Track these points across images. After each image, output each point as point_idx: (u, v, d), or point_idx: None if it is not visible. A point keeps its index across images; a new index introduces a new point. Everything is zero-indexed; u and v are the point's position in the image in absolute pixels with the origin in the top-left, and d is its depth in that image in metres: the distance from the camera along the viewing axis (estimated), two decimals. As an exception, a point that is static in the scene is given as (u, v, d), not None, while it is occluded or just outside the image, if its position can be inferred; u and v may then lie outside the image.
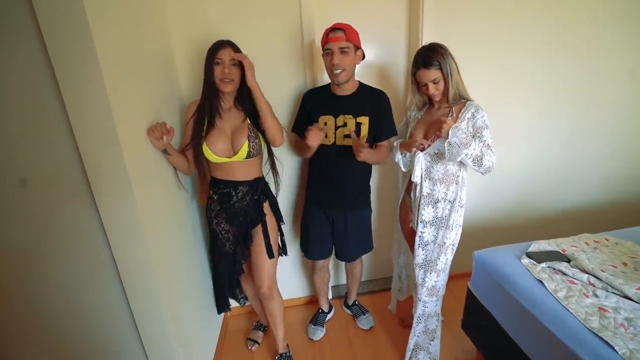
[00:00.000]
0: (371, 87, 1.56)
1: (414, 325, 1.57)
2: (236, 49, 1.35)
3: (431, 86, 1.34)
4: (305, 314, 2.11)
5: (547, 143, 2.15)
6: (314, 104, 1.56)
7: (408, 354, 1.62)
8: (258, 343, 1.90)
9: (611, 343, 1.00)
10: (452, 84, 1.33)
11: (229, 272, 1.60)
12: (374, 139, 1.55)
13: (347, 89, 1.50)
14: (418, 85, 1.41)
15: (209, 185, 1.52)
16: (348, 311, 2.04)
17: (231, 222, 1.49)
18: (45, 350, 1.24)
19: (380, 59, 1.91)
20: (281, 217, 1.62)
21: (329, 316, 2.04)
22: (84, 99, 0.95)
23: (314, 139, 1.43)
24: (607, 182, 2.33)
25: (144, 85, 1.25)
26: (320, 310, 2.00)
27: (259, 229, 1.50)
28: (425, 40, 1.72)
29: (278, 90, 1.73)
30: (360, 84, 1.55)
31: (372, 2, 1.79)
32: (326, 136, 1.51)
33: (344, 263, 1.95)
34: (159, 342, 1.28)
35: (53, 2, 0.87)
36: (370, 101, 1.51)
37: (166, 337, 1.28)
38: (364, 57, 1.50)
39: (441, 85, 1.34)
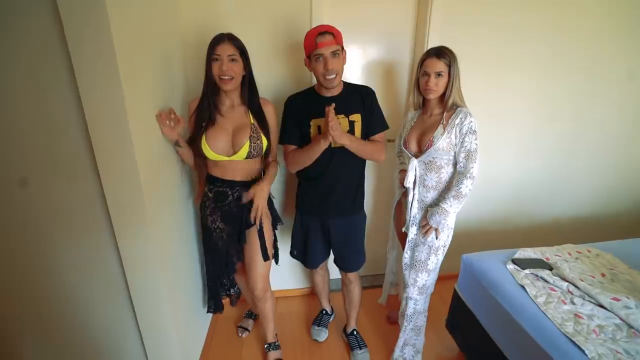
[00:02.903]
0: (355, 84, 1.53)
1: (405, 324, 1.62)
2: (237, 44, 1.30)
3: (433, 78, 1.36)
4: (298, 306, 2.18)
5: (538, 156, 2.23)
6: (302, 109, 1.47)
7: (397, 350, 1.68)
8: (248, 330, 1.95)
9: (582, 347, 1.08)
10: (453, 88, 1.37)
11: (222, 271, 1.59)
12: (366, 136, 1.50)
13: (335, 90, 1.45)
14: (418, 80, 1.43)
15: (205, 182, 1.48)
16: (345, 339, 1.90)
17: (226, 221, 1.47)
18: (45, 340, 1.29)
19: (386, 59, 1.95)
20: (279, 218, 1.62)
21: (332, 318, 2.05)
22: (99, 90, 0.98)
23: (336, 127, 1.27)
24: (593, 196, 2.42)
25: (155, 78, 1.28)
26: (324, 312, 2.01)
27: (253, 230, 1.47)
28: (432, 42, 1.79)
29: (284, 87, 1.77)
30: (344, 82, 1.50)
31: (381, 3, 1.83)
32: None
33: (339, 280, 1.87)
34: (155, 326, 1.33)
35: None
36: (359, 98, 1.48)
37: (163, 322, 1.33)
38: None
39: (442, 82, 1.37)
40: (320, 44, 1.32)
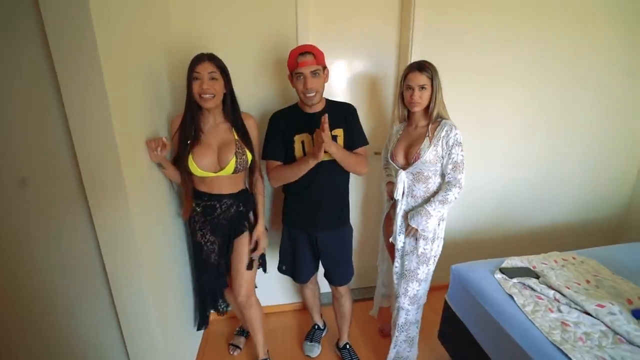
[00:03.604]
0: (338, 102, 1.58)
1: (396, 334, 1.62)
2: (217, 63, 1.33)
3: (417, 92, 1.40)
4: (289, 321, 2.15)
5: (524, 166, 2.28)
6: (286, 125, 1.50)
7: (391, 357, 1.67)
8: (240, 348, 1.92)
9: (570, 355, 1.09)
10: (437, 101, 1.42)
11: (213, 285, 1.58)
12: (349, 150, 1.52)
13: (317, 107, 1.49)
14: (402, 94, 1.48)
15: (192, 198, 1.48)
16: (338, 353, 1.90)
17: (216, 233, 1.49)
18: (29, 342, 1.25)
19: (371, 73, 1.99)
20: (265, 227, 1.63)
21: (324, 333, 2.04)
22: (85, 104, 0.99)
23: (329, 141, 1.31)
24: (577, 204, 2.48)
25: (142, 93, 1.29)
26: (316, 327, 2.00)
27: (241, 238, 1.50)
28: (415, 54, 1.84)
29: (270, 102, 1.80)
30: (326, 99, 1.54)
31: (365, 18, 1.88)
32: (305, 155, 1.47)
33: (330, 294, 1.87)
34: (143, 344, 1.30)
35: (59, 4, 0.91)
36: (341, 114, 1.52)
37: (152, 340, 1.30)
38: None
39: (425, 95, 1.41)
40: (301, 63, 1.37)
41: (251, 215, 1.56)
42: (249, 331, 1.78)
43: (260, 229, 1.55)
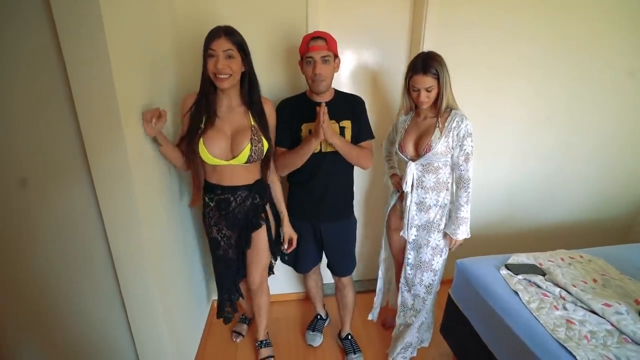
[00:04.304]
0: (346, 93, 1.56)
1: (412, 323, 1.65)
2: (235, 39, 1.21)
3: (423, 93, 1.36)
4: (292, 310, 2.18)
5: (533, 162, 2.24)
6: (294, 113, 1.48)
7: (397, 349, 1.69)
8: (242, 335, 1.95)
9: (574, 353, 1.08)
10: (445, 95, 1.37)
11: (235, 280, 1.55)
12: (355, 142, 1.52)
13: (326, 96, 1.47)
14: (409, 89, 1.43)
15: (204, 191, 1.42)
16: (340, 343, 1.91)
17: (232, 227, 1.42)
18: (36, 340, 1.29)
19: (382, 63, 1.96)
20: (278, 216, 1.60)
21: (327, 322, 2.06)
22: (91, 84, 0.98)
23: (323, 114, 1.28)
24: (585, 203, 2.44)
25: (147, 77, 1.27)
26: (318, 317, 2.02)
27: (259, 232, 1.45)
28: (427, 46, 1.80)
29: (279, 90, 1.78)
30: (335, 90, 1.53)
31: (377, 8, 1.85)
32: None
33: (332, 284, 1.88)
34: (148, 330, 1.32)
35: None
36: (348, 106, 1.51)
37: (156, 326, 1.32)
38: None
39: (433, 94, 1.37)
40: (312, 47, 1.35)
41: (267, 207, 1.50)
42: (254, 317, 1.78)
43: (287, 229, 1.55)
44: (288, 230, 1.56)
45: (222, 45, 1.19)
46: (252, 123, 1.33)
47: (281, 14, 1.69)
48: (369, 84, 1.97)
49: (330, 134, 1.32)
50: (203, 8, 1.63)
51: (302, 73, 1.45)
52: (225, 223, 1.42)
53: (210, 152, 1.27)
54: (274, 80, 1.78)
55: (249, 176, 1.39)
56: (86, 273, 1.22)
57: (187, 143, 1.28)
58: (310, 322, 2.02)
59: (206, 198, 1.41)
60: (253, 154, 1.30)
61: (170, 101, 1.50)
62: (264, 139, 1.35)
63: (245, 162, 1.31)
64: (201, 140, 1.26)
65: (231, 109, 1.32)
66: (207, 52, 1.20)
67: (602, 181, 2.40)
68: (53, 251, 1.17)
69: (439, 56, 1.36)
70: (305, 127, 1.48)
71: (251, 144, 1.29)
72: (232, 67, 1.21)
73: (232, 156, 1.31)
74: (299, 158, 1.42)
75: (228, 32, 1.21)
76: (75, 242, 1.17)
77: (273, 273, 1.77)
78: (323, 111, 1.26)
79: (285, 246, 1.57)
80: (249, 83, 1.30)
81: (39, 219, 1.13)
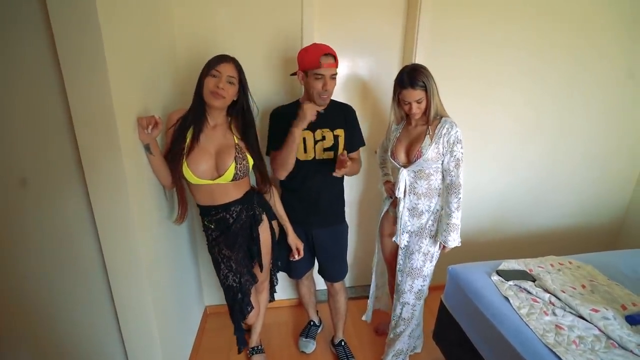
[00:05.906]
0: (338, 102, 1.60)
1: (402, 330, 1.66)
2: (240, 69, 1.30)
3: (414, 105, 1.40)
4: (285, 316, 2.17)
5: (523, 168, 2.29)
6: (288, 120, 1.45)
7: (389, 356, 1.70)
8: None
9: (562, 357, 1.10)
10: (433, 103, 1.41)
11: (239, 305, 1.46)
12: (348, 150, 1.55)
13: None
14: (399, 102, 1.47)
15: (201, 217, 1.44)
16: (333, 350, 1.91)
17: (231, 247, 1.40)
18: (25, 343, 1.27)
19: (374, 72, 1.99)
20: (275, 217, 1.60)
21: (320, 329, 2.06)
22: (88, 92, 0.99)
23: (312, 111, 1.36)
24: (575, 209, 2.49)
25: (145, 83, 1.29)
26: (311, 323, 2.02)
27: (261, 228, 1.47)
28: (419, 56, 1.84)
29: (272, 98, 1.80)
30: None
31: (370, 18, 1.89)
32: (306, 151, 1.50)
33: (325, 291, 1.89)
34: (140, 335, 1.31)
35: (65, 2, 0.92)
36: (341, 115, 1.56)
37: (148, 331, 1.31)
38: None
39: (423, 104, 1.41)
40: (326, 64, 1.37)
41: (264, 216, 1.50)
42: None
43: (293, 239, 1.59)
44: (294, 240, 1.60)
45: (228, 70, 1.25)
46: (236, 141, 1.36)
47: (276, 24, 1.72)
48: (361, 92, 2.00)
49: (341, 171, 1.43)
50: (201, 18, 1.65)
51: (304, 85, 1.46)
52: (223, 241, 1.41)
53: (195, 173, 1.28)
54: (266, 89, 1.80)
55: (239, 191, 1.41)
56: (78, 277, 1.21)
57: (170, 161, 1.28)
58: (303, 328, 2.02)
59: (205, 222, 1.43)
60: (238, 171, 1.32)
61: (165, 114, 1.50)
62: (248, 155, 1.37)
63: (232, 180, 1.33)
64: (185, 163, 1.27)
65: (214, 128, 1.34)
66: (210, 72, 1.24)
67: (592, 187, 2.45)
68: (45, 254, 1.17)
69: (424, 67, 1.40)
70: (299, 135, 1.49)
71: (236, 162, 1.31)
72: (230, 92, 1.27)
73: (217, 175, 1.32)
74: (288, 151, 1.43)
75: (235, 62, 1.29)
76: (67, 245, 1.17)
77: (274, 299, 1.80)
78: (345, 162, 1.38)
79: (297, 257, 1.61)
80: (242, 112, 1.35)
81: (32, 222, 1.12)
